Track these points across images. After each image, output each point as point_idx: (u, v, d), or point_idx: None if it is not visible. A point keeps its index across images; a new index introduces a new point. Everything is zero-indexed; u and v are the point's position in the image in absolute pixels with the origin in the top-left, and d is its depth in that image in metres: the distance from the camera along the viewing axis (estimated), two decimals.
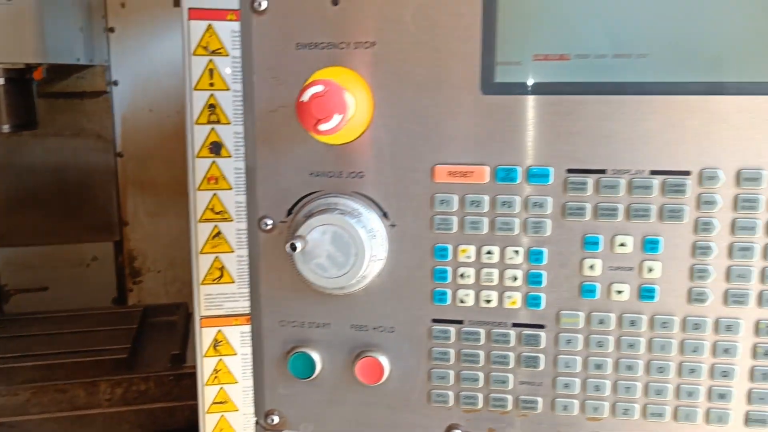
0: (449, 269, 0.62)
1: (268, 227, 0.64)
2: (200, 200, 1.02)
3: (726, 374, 0.60)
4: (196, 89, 0.97)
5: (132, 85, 1.95)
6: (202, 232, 1.02)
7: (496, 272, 0.62)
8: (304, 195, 0.63)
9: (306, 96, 0.56)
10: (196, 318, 1.06)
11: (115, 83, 1.94)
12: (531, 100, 0.59)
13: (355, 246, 0.60)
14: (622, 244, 0.59)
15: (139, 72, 1.94)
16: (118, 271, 2.04)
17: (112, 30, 1.93)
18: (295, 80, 0.61)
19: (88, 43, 1.78)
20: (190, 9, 0.95)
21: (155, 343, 1.50)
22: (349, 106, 0.57)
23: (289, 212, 0.64)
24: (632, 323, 0.60)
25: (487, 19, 0.58)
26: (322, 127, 0.56)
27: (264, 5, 0.60)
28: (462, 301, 0.62)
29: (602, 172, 0.59)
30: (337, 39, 0.60)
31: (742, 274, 0.58)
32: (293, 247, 0.59)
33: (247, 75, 0.62)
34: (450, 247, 0.62)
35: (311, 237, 0.61)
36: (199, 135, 0.99)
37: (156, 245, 2.04)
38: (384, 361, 0.64)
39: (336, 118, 0.56)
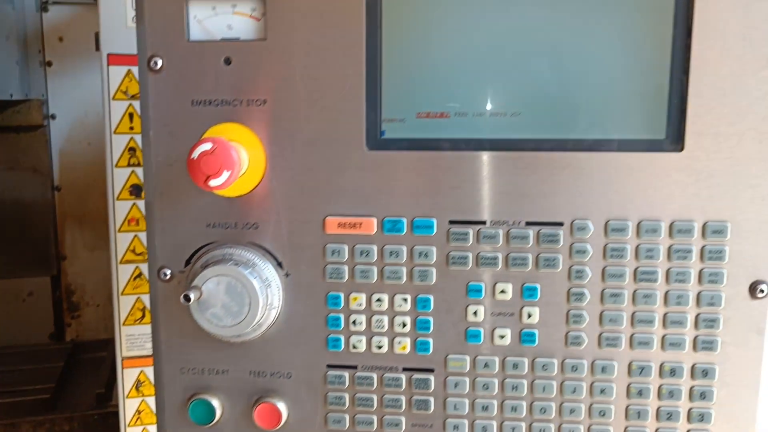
0: (342, 316, 0.64)
1: (167, 277, 0.66)
2: (121, 242, 1.02)
3: (603, 414, 0.63)
4: (116, 133, 0.99)
5: (70, 119, 1.94)
6: (123, 274, 1.03)
7: (386, 319, 0.64)
8: (201, 246, 0.65)
9: (195, 154, 0.58)
10: (118, 359, 1.06)
11: (53, 117, 1.93)
12: (414, 156, 0.62)
13: (248, 296, 0.62)
14: (502, 291, 0.62)
15: (77, 105, 1.93)
16: (56, 305, 2.01)
17: (49, 64, 1.92)
18: (190, 135, 0.63)
19: (23, 77, 1.77)
20: (109, 55, 0.97)
21: (82, 382, 1.49)
22: (238, 162, 0.59)
23: (187, 263, 0.66)
24: (515, 366, 0.63)
25: (371, 79, 0.61)
26: (212, 183, 0.58)
27: (160, 64, 0.63)
28: (355, 347, 0.65)
29: (482, 223, 0.62)
30: (230, 97, 0.62)
31: (613, 319, 0.61)
32: (187, 299, 0.61)
33: (145, 130, 0.64)
34: (342, 295, 0.64)
35: (206, 287, 0.62)
36: (119, 178, 1.00)
37: (95, 279, 2.02)
38: (282, 406, 0.66)
39: (225, 174, 0.58)
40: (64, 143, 1.95)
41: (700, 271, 0.60)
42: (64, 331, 2.02)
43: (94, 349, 1.66)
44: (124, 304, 1.04)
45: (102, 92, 0.98)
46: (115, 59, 0.96)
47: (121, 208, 1.02)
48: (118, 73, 0.97)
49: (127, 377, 1.06)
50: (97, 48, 1.00)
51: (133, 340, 1.05)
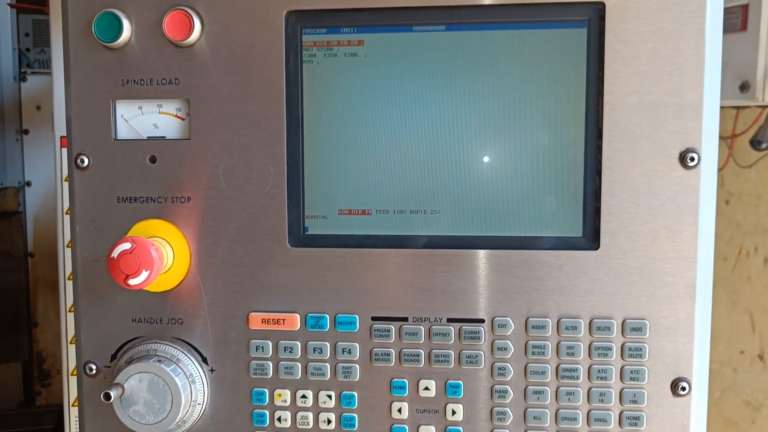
0: (267, 413, 0.64)
1: (93, 372, 0.65)
2: (72, 321, 1.02)
3: None
4: (68, 213, 0.99)
5: (45, 185, 1.95)
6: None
7: (311, 415, 0.63)
8: (126, 341, 0.65)
9: (115, 253, 0.58)
10: None
11: (28, 184, 1.94)
12: (337, 252, 0.62)
13: (170, 393, 0.62)
14: (426, 388, 0.62)
15: (52, 172, 1.94)
16: (26, 373, 1.98)
17: (26, 132, 1.94)
18: (116, 231, 0.64)
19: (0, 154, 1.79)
20: (62, 137, 0.98)
21: None
22: (158, 261, 0.59)
23: (113, 357, 0.65)
24: None
25: (293, 177, 0.62)
26: (132, 281, 0.59)
27: (86, 162, 0.63)
28: None
29: (404, 319, 0.62)
30: (155, 194, 0.63)
31: (537, 416, 0.61)
32: (107, 397, 0.60)
33: (72, 226, 0.65)
34: (267, 392, 0.64)
35: (128, 384, 0.62)
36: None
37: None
38: None
39: (144, 274, 0.58)
40: (38, 209, 1.95)
41: (622, 369, 0.60)
42: (33, 400, 1.99)
43: None
44: (74, 385, 1.02)
45: (54, 174, 0.99)
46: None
47: (71, 288, 1.01)
48: None
49: None
50: (53, 129, 1.01)
51: None
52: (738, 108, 1.53)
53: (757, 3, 1.37)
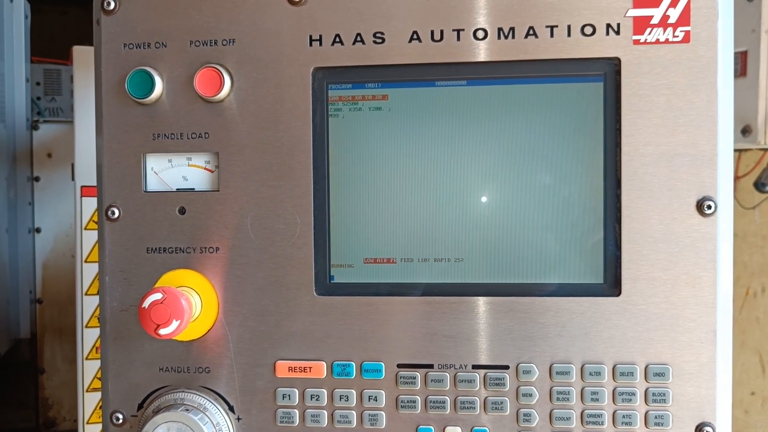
0: None
1: (119, 422, 0.66)
2: (89, 369, 1.02)
3: None
4: (87, 261, 1.00)
5: (54, 231, 1.96)
6: (90, 402, 1.02)
7: None
8: (154, 390, 0.65)
9: (146, 303, 0.60)
10: None
11: (38, 230, 1.96)
12: (362, 300, 0.63)
13: None
14: None
15: (62, 218, 1.96)
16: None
17: (37, 179, 1.96)
18: (145, 281, 0.65)
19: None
20: (83, 187, 1.00)
21: None
22: (188, 311, 0.60)
23: (140, 407, 0.66)
24: None
25: (320, 227, 0.63)
26: (162, 331, 0.60)
27: (117, 213, 0.65)
28: None
29: (430, 366, 0.63)
30: (184, 244, 0.65)
31: None
32: None
33: (101, 276, 0.66)
34: None
35: None
36: (89, 306, 1.01)
37: (73, 393, 1.98)
38: None
39: (174, 324, 0.60)
40: (47, 255, 1.96)
41: (646, 414, 0.60)
42: None
43: None
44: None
45: (75, 222, 1.01)
46: (88, 191, 0.99)
47: (89, 334, 1.02)
48: (91, 203, 1.00)
49: None
50: (73, 178, 1.03)
51: None
52: (740, 151, 1.56)
53: (755, 49, 1.40)
